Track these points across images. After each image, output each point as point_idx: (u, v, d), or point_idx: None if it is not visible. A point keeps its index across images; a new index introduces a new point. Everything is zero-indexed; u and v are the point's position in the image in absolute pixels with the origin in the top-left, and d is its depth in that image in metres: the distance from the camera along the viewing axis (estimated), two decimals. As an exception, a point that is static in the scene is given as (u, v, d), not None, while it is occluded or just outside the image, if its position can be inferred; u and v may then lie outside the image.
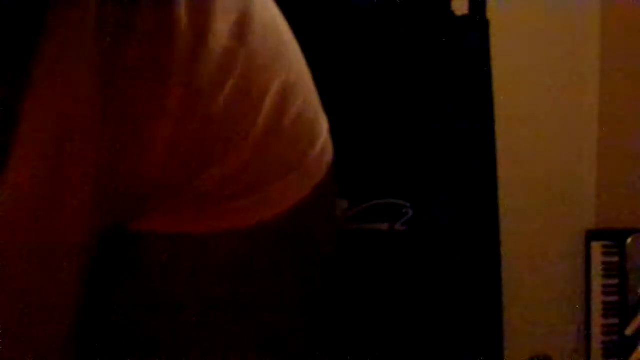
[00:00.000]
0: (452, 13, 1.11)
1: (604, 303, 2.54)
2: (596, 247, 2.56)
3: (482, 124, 1.10)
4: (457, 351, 1.09)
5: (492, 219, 1.10)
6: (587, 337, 2.54)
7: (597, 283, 2.55)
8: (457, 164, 1.07)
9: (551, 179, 2.59)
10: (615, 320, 2.52)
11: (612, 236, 2.56)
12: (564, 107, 2.60)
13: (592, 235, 2.57)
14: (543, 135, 2.57)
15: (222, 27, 0.49)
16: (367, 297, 1.05)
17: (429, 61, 1.08)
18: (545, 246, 2.56)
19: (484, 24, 1.14)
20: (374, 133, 1.06)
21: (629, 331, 2.11)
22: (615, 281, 2.54)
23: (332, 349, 1.08)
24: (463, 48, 1.11)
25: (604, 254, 2.56)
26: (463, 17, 1.13)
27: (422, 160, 1.05)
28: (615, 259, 2.55)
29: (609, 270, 2.55)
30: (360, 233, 1.01)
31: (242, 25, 0.51)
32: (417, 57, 1.07)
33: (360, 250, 1.03)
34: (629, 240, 2.54)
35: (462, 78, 1.09)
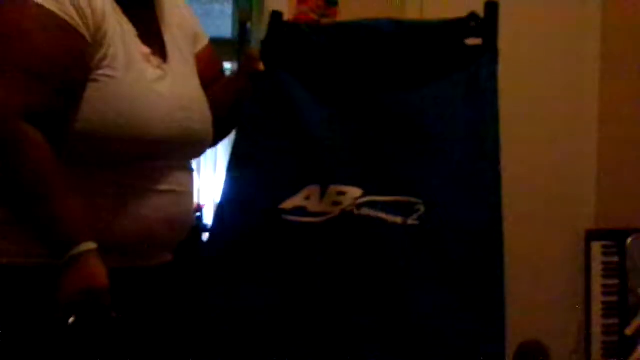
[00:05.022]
0: (464, 44, 1.25)
1: (604, 303, 2.54)
2: (596, 247, 2.56)
3: (488, 133, 1.20)
4: (457, 348, 1.11)
5: (496, 218, 1.16)
6: (587, 337, 2.55)
7: (597, 283, 2.55)
8: (464, 167, 1.17)
9: (551, 179, 2.59)
10: (615, 320, 2.53)
11: (612, 236, 2.56)
12: (564, 107, 2.60)
13: (592, 235, 2.57)
14: (543, 136, 2.57)
15: None
16: (372, 280, 1.17)
17: (443, 76, 1.24)
18: (545, 246, 2.56)
19: (495, 53, 1.23)
20: (391, 137, 1.22)
21: (629, 331, 2.11)
22: (615, 281, 2.54)
23: (334, 333, 1.13)
24: (474, 72, 1.24)
25: (604, 254, 2.56)
26: (475, 46, 1.25)
27: (434, 163, 1.18)
28: (615, 259, 2.55)
29: (609, 270, 2.55)
30: (375, 221, 1.16)
31: None
32: (433, 74, 1.24)
33: (372, 236, 1.16)
34: (629, 240, 2.55)
35: (471, 99, 1.22)
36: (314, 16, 2.48)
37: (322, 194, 1.19)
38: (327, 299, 1.17)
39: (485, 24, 1.24)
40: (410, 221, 1.15)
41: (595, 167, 2.61)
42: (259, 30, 2.95)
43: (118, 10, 1.15)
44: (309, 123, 1.25)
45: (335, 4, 2.51)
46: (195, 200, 1.41)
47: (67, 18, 1.06)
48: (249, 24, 3.65)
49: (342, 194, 1.18)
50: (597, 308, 2.54)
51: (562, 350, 2.53)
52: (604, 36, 2.59)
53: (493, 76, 1.22)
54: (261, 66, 1.31)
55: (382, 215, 1.16)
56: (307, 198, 1.19)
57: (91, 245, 1.02)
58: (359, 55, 1.29)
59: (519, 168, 2.35)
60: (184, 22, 1.33)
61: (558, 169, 2.60)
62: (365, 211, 1.16)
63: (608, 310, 2.54)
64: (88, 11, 1.08)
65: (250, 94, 1.30)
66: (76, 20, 1.07)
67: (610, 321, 2.53)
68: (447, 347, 1.09)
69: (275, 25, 1.37)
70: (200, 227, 3.34)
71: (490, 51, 1.24)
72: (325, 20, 2.21)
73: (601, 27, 2.60)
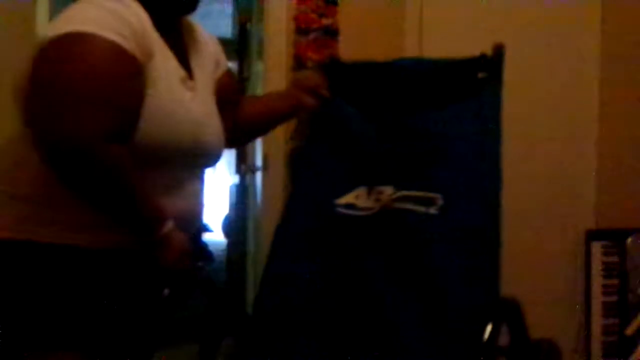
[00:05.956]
0: (476, 77, 1.58)
1: (604, 303, 2.55)
2: (596, 247, 2.56)
3: (492, 144, 1.49)
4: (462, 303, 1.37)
5: (495, 212, 1.43)
6: (587, 337, 2.55)
7: (597, 283, 2.55)
8: (471, 168, 1.47)
9: (551, 179, 2.59)
10: (615, 320, 2.53)
11: (612, 236, 2.57)
12: (564, 107, 2.61)
13: (592, 235, 2.57)
14: (543, 136, 2.57)
15: None
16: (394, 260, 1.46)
17: (459, 101, 1.56)
18: (545, 246, 2.56)
19: (500, 83, 1.55)
20: (417, 146, 1.53)
21: (629, 331, 2.12)
22: (615, 281, 2.55)
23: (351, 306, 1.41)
24: (483, 98, 1.55)
25: (604, 254, 2.56)
26: (485, 78, 1.57)
27: (449, 166, 1.48)
28: (615, 259, 2.56)
29: (609, 270, 2.56)
30: (405, 212, 1.46)
31: None
32: (451, 100, 1.57)
33: (403, 224, 1.46)
34: (629, 240, 2.55)
35: (480, 118, 1.52)
36: (313, 16, 2.48)
37: (369, 194, 1.53)
38: (367, 272, 1.46)
39: (493, 61, 1.55)
40: (431, 211, 1.44)
41: (595, 167, 2.61)
42: (259, 30, 2.96)
43: (158, 35, 1.29)
44: (357, 137, 1.61)
45: (335, 3, 2.52)
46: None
47: (129, 49, 1.19)
48: (249, 24, 3.65)
49: (381, 192, 1.51)
50: (597, 308, 2.55)
51: (562, 350, 2.53)
52: (604, 36, 2.60)
53: (498, 100, 1.52)
54: (327, 93, 1.66)
55: (410, 206, 1.46)
56: (357, 197, 1.54)
57: (172, 223, 1.26)
58: (394, 85, 1.65)
59: (519, 168, 2.34)
60: (207, 49, 1.49)
61: (558, 169, 2.60)
62: (398, 205, 1.48)
63: (608, 310, 2.54)
64: (140, 34, 1.22)
65: (301, 109, 1.67)
66: (134, 48, 1.20)
67: (610, 321, 2.53)
68: (456, 300, 1.37)
69: (333, 64, 1.79)
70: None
71: (496, 82, 1.54)
72: (325, 20, 2.38)
73: (601, 27, 2.60)
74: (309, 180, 1.62)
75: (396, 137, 1.57)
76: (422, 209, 1.44)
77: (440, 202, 1.44)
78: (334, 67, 1.77)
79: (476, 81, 1.58)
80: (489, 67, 1.56)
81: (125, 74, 1.19)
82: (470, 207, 1.43)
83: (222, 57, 1.56)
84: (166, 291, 1.24)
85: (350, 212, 1.53)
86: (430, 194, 1.45)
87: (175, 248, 1.26)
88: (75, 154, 1.14)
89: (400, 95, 1.63)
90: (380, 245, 1.47)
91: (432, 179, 1.48)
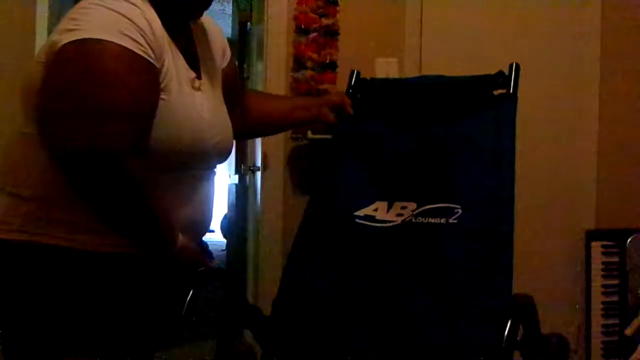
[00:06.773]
0: (492, 94, 1.69)
1: (604, 303, 2.55)
2: (596, 247, 2.56)
3: (507, 154, 1.57)
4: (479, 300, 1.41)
5: (510, 218, 1.49)
6: (587, 337, 2.55)
7: (597, 283, 2.55)
8: (488, 179, 1.54)
9: (552, 180, 2.59)
10: (615, 320, 2.53)
11: (612, 236, 2.56)
12: (564, 108, 2.61)
13: (592, 235, 2.57)
14: (543, 136, 2.57)
15: None
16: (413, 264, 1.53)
17: (476, 114, 1.65)
18: (545, 246, 2.56)
19: (515, 98, 1.66)
20: (437, 159, 1.61)
21: (629, 331, 2.11)
22: (615, 281, 2.54)
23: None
24: (499, 110, 1.65)
25: (604, 254, 2.56)
26: (500, 94, 1.67)
27: (468, 177, 1.55)
28: (615, 259, 2.55)
29: (609, 270, 2.55)
30: (427, 224, 1.54)
31: None
32: (469, 113, 1.67)
33: (424, 235, 1.53)
34: (629, 240, 2.55)
35: (495, 129, 1.61)
36: (313, 16, 2.48)
37: (389, 207, 1.61)
38: (386, 279, 1.52)
39: (509, 79, 1.67)
40: (451, 220, 1.51)
41: (595, 167, 2.61)
42: (259, 30, 2.95)
43: (167, 35, 1.25)
44: (377, 151, 1.69)
45: (335, 3, 2.52)
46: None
47: (145, 56, 1.17)
48: (249, 24, 3.65)
49: (405, 207, 1.58)
50: (597, 308, 2.55)
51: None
52: (604, 36, 2.60)
53: (512, 114, 1.62)
54: (351, 109, 1.72)
55: (431, 219, 1.54)
56: (376, 210, 1.61)
57: (182, 236, 1.27)
58: (415, 100, 1.74)
59: (519, 168, 2.35)
60: (215, 37, 1.47)
61: (558, 169, 2.60)
62: (420, 219, 1.55)
63: (608, 310, 2.54)
64: (152, 38, 1.19)
65: (319, 122, 1.75)
66: (150, 54, 1.18)
67: (610, 321, 2.53)
68: (473, 299, 1.41)
69: (355, 80, 1.85)
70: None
71: (512, 97, 1.66)
72: (325, 20, 2.40)
73: (601, 27, 2.60)
74: (330, 190, 1.68)
75: (416, 148, 1.64)
76: (442, 220, 1.51)
77: (459, 211, 1.51)
78: (356, 83, 1.84)
79: (492, 96, 1.68)
80: (505, 84, 1.66)
81: (145, 83, 1.17)
82: (487, 213, 1.49)
83: (227, 45, 1.53)
84: (190, 294, 1.27)
85: (370, 223, 1.60)
86: (450, 204, 1.52)
87: (192, 255, 1.30)
88: (102, 167, 1.12)
89: (421, 110, 1.71)
90: (400, 253, 1.53)
91: (451, 190, 1.54)
